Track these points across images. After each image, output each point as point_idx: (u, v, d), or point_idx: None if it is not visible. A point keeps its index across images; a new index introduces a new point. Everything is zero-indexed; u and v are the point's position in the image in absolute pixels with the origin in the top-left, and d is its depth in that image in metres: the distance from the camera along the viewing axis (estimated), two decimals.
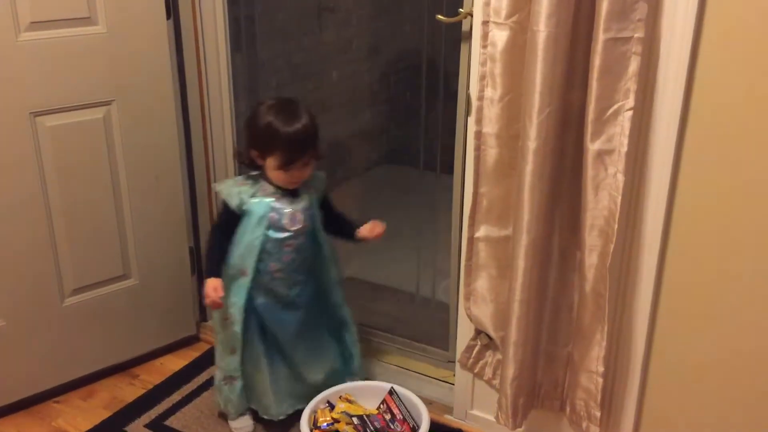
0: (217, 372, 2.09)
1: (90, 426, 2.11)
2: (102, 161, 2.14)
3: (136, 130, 2.18)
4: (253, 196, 1.89)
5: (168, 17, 2.18)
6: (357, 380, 2.14)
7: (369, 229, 2.03)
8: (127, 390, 2.28)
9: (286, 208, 1.90)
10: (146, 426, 2.11)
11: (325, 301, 2.08)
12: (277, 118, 1.83)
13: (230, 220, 1.92)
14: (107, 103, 2.11)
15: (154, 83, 2.18)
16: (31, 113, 1.97)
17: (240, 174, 2.56)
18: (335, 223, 2.04)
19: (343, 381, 2.10)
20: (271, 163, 1.86)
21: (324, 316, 2.09)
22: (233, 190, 1.90)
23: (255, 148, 1.88)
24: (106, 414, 2.16)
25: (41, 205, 2.05)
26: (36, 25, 1.93)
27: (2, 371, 2.11)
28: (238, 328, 1.95)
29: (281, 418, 2.04)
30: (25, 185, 2.01)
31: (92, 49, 2.03)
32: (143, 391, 2.27)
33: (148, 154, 2.22)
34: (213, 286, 1.87)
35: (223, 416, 2.11)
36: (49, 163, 2.04)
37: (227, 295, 1.92)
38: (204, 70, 2.37)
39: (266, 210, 1.89)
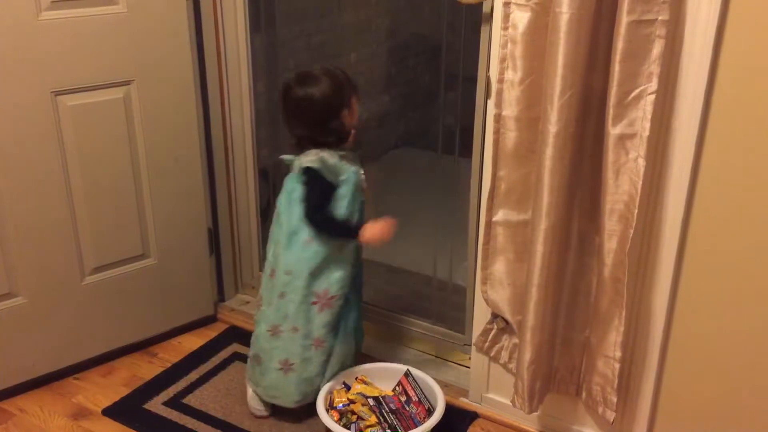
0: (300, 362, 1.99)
1: (109, 403, 2.14)
2: (122, 141, 2.15)
3: (156, 110, 2.18)
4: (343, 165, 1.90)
5: None
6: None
7: None
8: (145, 368, 2.31)
9: (362, 170, 1.95)
10: (164, 404, 2.13)
11: None
12: (332, 69, 1.89)
13: (330, 195, 1.89)
14: (127, 83, 2.11)
15: (173, 63, 2.18)
16: (52, 92, 1.99)
17: (258, 156, 2.58)
18: None
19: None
20: (355, 106, 1.91)
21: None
22: (330, 162, 1.86)
23: (345, 107, 1.87)
24: (125, 391, 2.19)
25: (62, 184, 2.07)
26: (57, 4, 1.93)
27: (23, 348, 2.14)
28: (342, 301, 1.98)
29: None
30: (46, 164, 2.03)
31: (112, 29, 2.04)
32: (161, 369, 2.30)
33: (168, 134, 2.23)
34: (376, 225, 1.88)
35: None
36: (70, 142, 2.05)
37: (332, 270, 1.93)
38: (223, 51, 2.37)
39: (357, 177, 1.92)
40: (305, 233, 1.91)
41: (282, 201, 1.95)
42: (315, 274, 1.93)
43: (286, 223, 1.93)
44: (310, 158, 1.87)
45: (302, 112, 1.87)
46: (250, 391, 2.10)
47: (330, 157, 1.87)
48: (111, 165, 2.15)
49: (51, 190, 2.06)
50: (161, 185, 2.26)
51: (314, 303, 1.95)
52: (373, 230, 1.88)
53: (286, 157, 1.95)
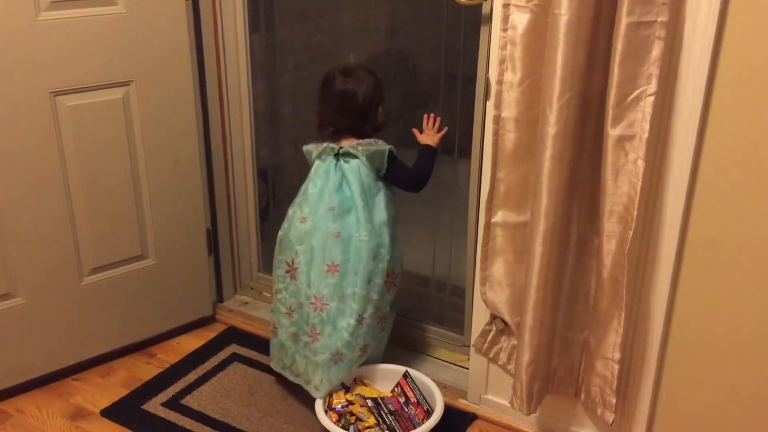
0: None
1: (108, 403, 2.14)
2: (121, 142, 2.15)
3: (155, 110, 2.18)
4: None
5: None
6: None
7: None
8: (144, 369, 2.31)
9: None
10: (163, 404, 2.13)
11: None
12: (369, 67, 2.03)
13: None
14: (126, 84, 2.11)
15: (172, 64, 2.18)
16: (51, 93, 1.98)
17: (256, 156, 2.58)
18: None
19: None
20: (383, 104, 2.03)
21: None
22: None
23: (381, 103, 2.02)
24: (123, 392, 2.19)
25: (61, 184, 2.07)
26: (56, 4, 1.93)
27: (22, 348, 2.13)
28: (400, 279, 2.08)
29: None
30: (45, 165, 2.03)
31: (111, 29, 2.04)
32: (160, 370, 2.30)
33: (167, 135, 2.23)
34: (429, 131, 2.09)
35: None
36: (69, 142, 2.05)
37: (396, 249, 2.03)
38: (222, 51, 2.37)
39: None
40: (381, 216, 1.98)
41: (346, 190, 1.96)
42: (391, 254, 2.00)
43: (363, 210, 1.94)
44: (378, 145, 1.97)
45: (346, 103, 1.97)
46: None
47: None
48: (110, 165, 2.15)
49: (50, 190, 2.05)
50: (160, 186, 2.26)
51: (386, 283, 2.01)
52: (432, 137, 2.07)
53: (331, 145, 1.98)
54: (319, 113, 2.03)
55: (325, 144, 1.99)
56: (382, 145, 1.97)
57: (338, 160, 1.97)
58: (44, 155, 2.02)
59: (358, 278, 1.95)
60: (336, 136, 2.00)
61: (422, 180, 2.03)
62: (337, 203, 1.95)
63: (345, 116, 1.98)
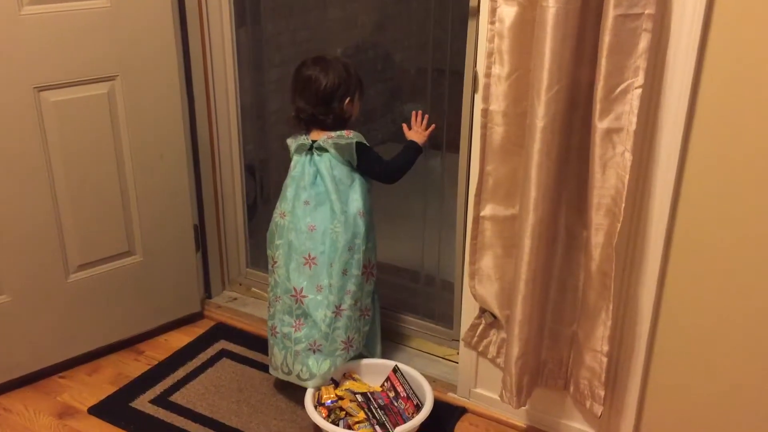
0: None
1: (95, 401, 2.13)
2: (106, 137, 2.13)
3: (141, 105, 2.17)
4: None
5: None
6: None
7: None
8: (132, 366, 2.29)
9: None
10: (151, 402, 2.12)
11: None
12: (345, 60, 2.00)
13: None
14: (111, 78, 2.09)
15: (158, 59, 2.17)
16: (35, 88, 1.96)
17: (244, 151, 2.57)
18: None
19: None
20: (357, 100, 2.01)
21: None
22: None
23: (348, 95, 1.97)
24: (111, 389, 2.18)
25: (46, 180, 2.05)
26: None
27: (8, 346, 2.12)
28: (376, 270, 2.08)
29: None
30: (29, 161, 2.01)
31: (96, 24, 2.02)
32: (148, 367, 2.28)
33: (153, 130, 2.21)
34: (414, 128, 2.08)
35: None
36: (54, 138, 2.03)
37: (372, 240, 2.03)
38: (208, 46, 2.35)
39: None
40: (356, 207, 1.97)
41: (320, 184, 1.97)
42: (366, 245, 2.00)
43: (337, 202, 1.95)
44: (349, 137, 1.95)
45: (309, 88, 1.96)
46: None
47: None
48: (95, 161, 2.13)
49: (35, 187, 2.03)
50: (146, 182, 2.24)
51: (363, 273, 2.01)
52: (420, 134, 2.06)
53: (304, 142, 1.98)
54: (291, 100, 2.03)
55: (300, 140, 2.00)
56: (350, 137, 1.96)
57: (312, 154, 1.97)
58: (28, 151, 2.00)
59: (334, 269, 1.96)
60: (304, 124, 2.00)
61: (395, 174, 2.02)
62: (312, 197, 1.97)
63: (309, 102, 1.96)
